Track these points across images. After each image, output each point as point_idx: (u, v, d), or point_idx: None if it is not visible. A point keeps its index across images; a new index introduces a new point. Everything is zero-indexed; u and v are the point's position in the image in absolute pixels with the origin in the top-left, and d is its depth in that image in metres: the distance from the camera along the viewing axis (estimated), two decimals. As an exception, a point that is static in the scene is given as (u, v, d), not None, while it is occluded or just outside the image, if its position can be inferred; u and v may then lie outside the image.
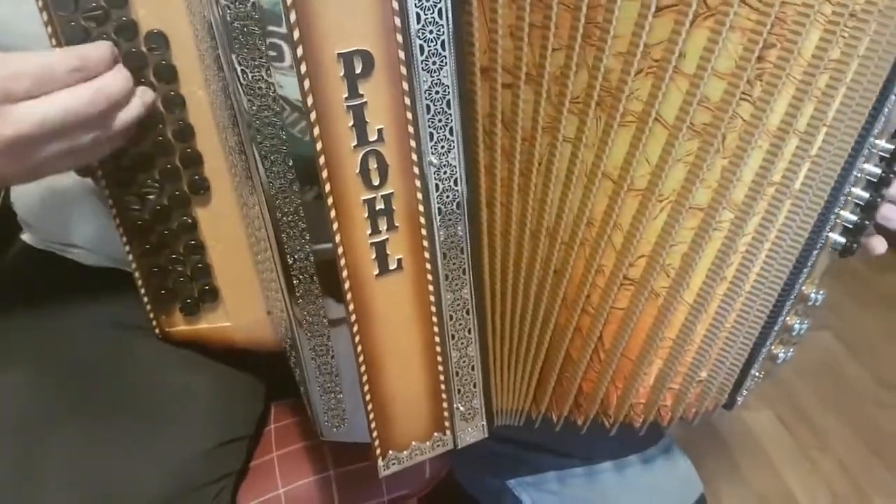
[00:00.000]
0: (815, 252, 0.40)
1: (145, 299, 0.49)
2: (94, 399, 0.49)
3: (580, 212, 0.39)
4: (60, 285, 0.54)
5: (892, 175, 0.38)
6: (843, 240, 0.41)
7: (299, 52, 0.31)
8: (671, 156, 0.37)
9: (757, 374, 0.47)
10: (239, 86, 0.33)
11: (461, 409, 0.44)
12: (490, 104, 0.38)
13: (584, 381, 0.45)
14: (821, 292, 0.44)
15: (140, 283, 0.48)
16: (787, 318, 0.44)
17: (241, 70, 0.32)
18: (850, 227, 0.40)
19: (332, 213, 0.36)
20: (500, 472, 0.58)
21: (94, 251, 0.54)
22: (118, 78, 0.38)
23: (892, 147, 0.38)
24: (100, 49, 0.38)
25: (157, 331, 0.50)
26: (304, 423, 0.59)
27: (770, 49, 0.34)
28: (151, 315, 0.50)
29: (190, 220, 0.46)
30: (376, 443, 0.42)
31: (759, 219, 0.39)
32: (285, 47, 0.32)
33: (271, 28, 0.31)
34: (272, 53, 0.32)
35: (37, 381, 0.49)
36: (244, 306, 0.50)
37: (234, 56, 0.32)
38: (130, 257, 0.47)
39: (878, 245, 0.45)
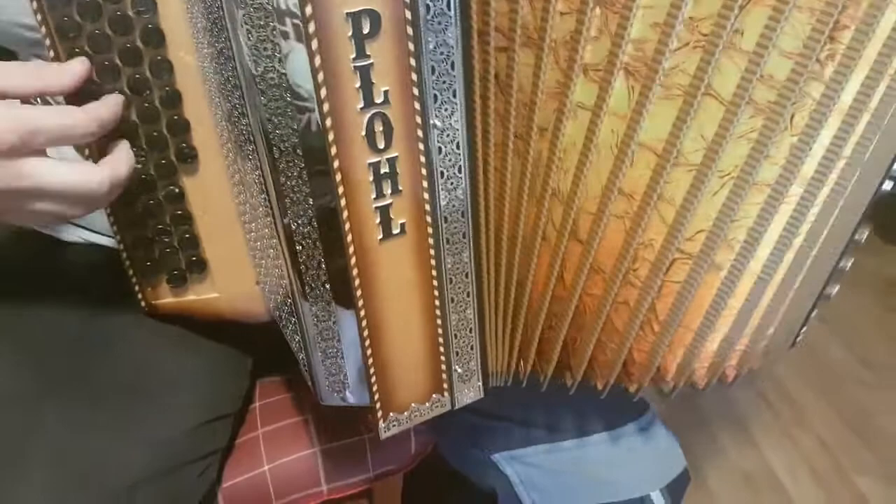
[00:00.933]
0: (870, 201, 0.40)
1: (130, 272, 0.48)
2: (78, 378, 0.47)
3: (609, 182, 0.39)
4: (38, 260, 0.52)
5: None
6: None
7: (308, 10, 0.31)
8: (729, 132, 0.35)
9: (814, 315, 0.47)
10: (242, 48, 0.33)
11: (459, 370, 0.45)
12: (483, 67, 0.38)
13: (636, 351, 0.45)
14: (865, 231, 0.43)
15: (125, 254, 0.47)
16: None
17: (247, 30, 0.32)
18: None
19: (338, 178, 0.36)
20: (485, 446, 0.59)
21: (74, 226, 0.52)
22: (126, 162, 0.39)
23: None
24: (112, 111, 0.38)
25: (142, 303, 0.49)
26: (289, 400, 0.59)
27: (842, 31, 0.33)
28: (137, 287, 0.49)
29: (177, 190, 0.45)
30: (378, 406, 0.43)
31: (828, 189, 0.38)
32: (287, 5, 0.31)
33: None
34: (277, 15, 0.31)
35: (20, 361, 0.47)
36: (233, 277, 0.49)
37: (239, 17, 0.32)
38: (115, 228, 0.46)
39: None
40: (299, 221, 0.37)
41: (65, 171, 0.36)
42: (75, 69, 0.38)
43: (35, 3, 0.39)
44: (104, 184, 0.38)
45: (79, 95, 0.39)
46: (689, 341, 0.44)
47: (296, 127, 0.35)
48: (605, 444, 0.56)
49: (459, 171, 0.39)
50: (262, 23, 0.32)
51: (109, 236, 0.49)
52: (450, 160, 0.38)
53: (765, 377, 1.32)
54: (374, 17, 0.32)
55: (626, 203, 0.40)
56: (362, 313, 0.40)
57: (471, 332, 0.44)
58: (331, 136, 0.34)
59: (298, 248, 0.38)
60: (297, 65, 0.33)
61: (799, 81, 0.34)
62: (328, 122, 0.34)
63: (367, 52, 0.33)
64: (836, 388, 1.30)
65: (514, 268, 0.44)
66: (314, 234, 0.38)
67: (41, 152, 0.36)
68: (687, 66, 0.36)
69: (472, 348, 0.44)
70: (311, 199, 0.37)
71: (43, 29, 0.39)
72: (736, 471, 1.15)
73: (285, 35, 0.32)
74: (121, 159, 0.39)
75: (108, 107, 0.39)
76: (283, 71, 0.33)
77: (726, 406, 1.27)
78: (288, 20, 0.32)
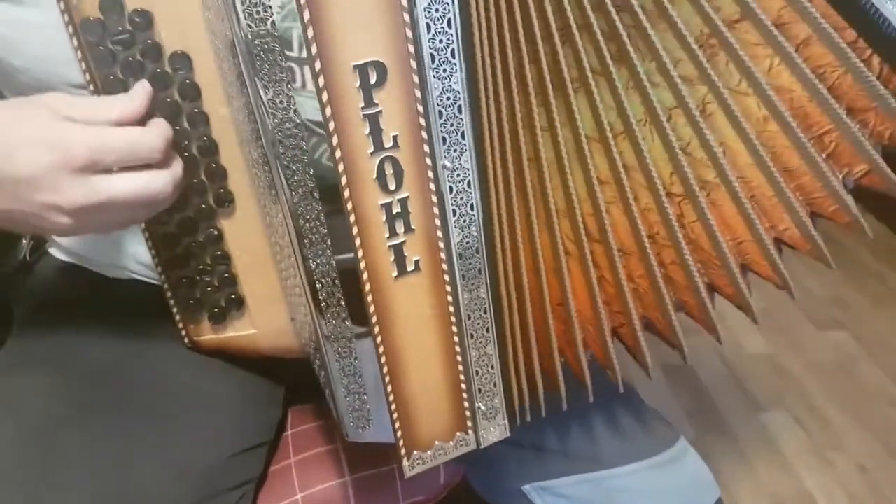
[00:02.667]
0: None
1: (174, 309, 0.51)
2: (116, 404, 0.50)
3: (587, 176, 0.41)
4: (83, 294, 0.56)
5: None
6: None
7: (317, 65, 0.33)
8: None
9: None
10: (261, 102, 0.35)
11: (482, 408, 0.45)
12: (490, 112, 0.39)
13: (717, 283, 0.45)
14: None
15: (169, 293, 0.50)
16: None
17: (263, 86, 0.34)
18: None
19: (352, 218, 0.37)
20: (515, 477, 0.58)
21: (117, 264, 0.56)
22: (180, 163, 0.42)
23: None
24: (170, 130, 0.41)
25: (186, 340, 0.52)
26: (321, 428, 0.60)
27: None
28: (181, 325, 0.52)
29: (216, 232, 0.48)
30: (401, 443, 0.44)
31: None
32: (299, 62, 0.34)
33: (289, 44, 0.33)
34: (288, 73, 0.34)
35: (58, 386, 0.50)
36: (269, 314, 0.52)
37: (255, 73, 0.34)
38: (159, 269, 0.49)
39: None
40: (318, 261, 0.39)
41: (134, 179, 0.39)
42: (143, 93, 0.41)
43: (83, 64, 0.43)
44: (168, 185, 0.41)
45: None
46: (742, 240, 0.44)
47: (311, 173, 0.37)
48: (637, 475, 0.54)
49: (472, 209, 0.39)
50: (276, 78, 0.34)
51: (148, 276, 0.52)
52: (461, 198, 0.39)
53: (797, 398, 1.25)
54: (380, 68, 0.34)
55: (610, 189, 0.41)
56: (381, 349, 0.41)
57: (492, 368, 0.44)
58: (344, 180, 0.36)
59: (319, 286, 0.40)
60: (311, 115, 0.35)
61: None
62: (340, 168, 0.36)
63: (375, 101, 0.35)
64: (870, 408, 1.22)
65: (537, 299, 0.44)
66: (333, 272, 0.39)
67: (111, 169, 0.39)
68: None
69: (494, 385, 0.45)
70: (329, 240, 0.38)
71: (90, 87, 0.43)
72: (771, 496, 1.09)
73: (298, 86, 0.34)
74: (177, 161, 0.42)
75: (165, 125, 0.42)
76: (298, 121, 0.35)
77: (759, 429, 1.20)
78: (299, 72, 0.34)
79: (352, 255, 0.38)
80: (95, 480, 0.46)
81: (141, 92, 0.41)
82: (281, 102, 0.35)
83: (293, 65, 0.34)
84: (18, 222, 0.39)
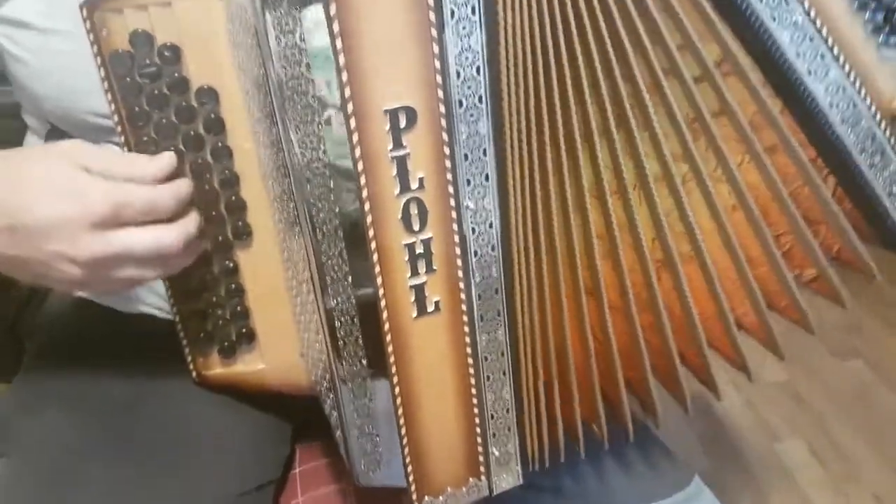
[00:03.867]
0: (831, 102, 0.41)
1: (184, 342, 0.50)
2: (128, 440, 0.50)
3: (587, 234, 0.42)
4: (95, 330, 0.56)
5: None
6: (893, 39, 0.43)
7: (349, 108, 0.33)
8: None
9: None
10: (290, 141, 0.35)
11: (496, 453, 0.44)
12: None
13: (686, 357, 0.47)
14: None
15: (179, 326, 0.50)
16: (890, 135, 0.43)
17: (294, 126, 0.35)
18: (888, 18, 0.42)
19: (375, 257, 0.37)
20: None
21: (130, 296, 0.56)
22: (194, 221, 0.43)
23: None
24: (187, 190, 0.42)
25: (194, 374, 0.52)
26: (329, 466, 0.59)
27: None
28: (189, 358, 0.51)
29: (231, 265, 0.48)
30: (412, 487, 0.43)
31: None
32: (332, 107, 0.34)
33: (323, 87, 0.34)
34: (323, 112, 0.34)
35: (70, 423, 0.50)
36: (279, 349, 0.51)
37: (286, 113, 0.34)
38: (172, 300, 0.49)
39: None
40: (339, 299, 0.39)
41: (146, 234, 0.39)
42: (165, 163, 0.42)
43: (109, 95, 0.43)
44: (180, 241, 0.41)
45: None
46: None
47: (337, 211, 0.37)
48: None
49: (493, 250, 0.40)
50: (308, 118, 0.35)
51: (162, 309, 0.52)
52: (483, 240, 0.39)
53: (813, 427, 1.24)
54: (411, 112, 0.35)
55: (603, 244, 0.43)
56: (397, 390, 0.40)
57: (507, 412, 0.44)
58: (369, 220, 0.36)
59: (337, 324, 0.39)
60: (340, 156, 0.35)
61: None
62: (367, 207, 0.36)
63: (404, 144, 0.35)
64: (886, 437, 1.21)
65: (566, 338, 0.44)
66: (352, 310, 0.39)
67: (128, 224, 0.39)
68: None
69: (509, 430, 0.44)
70: (349, 278, 0.38)
71: (115, 117, 0.44)
72: None
73: (329, 127, 0.35)
74: (189, 219, 0.43)
75: (185, 185, 0.42)
76: (327, 161, 0.35)
77: (774, 459, 1.19)
78: (331, 114, 0.34)
79: (371, 290, 0.38)
80: None
81: (165, 162, 0.42)
82: (311, 142, 0.35)
83: (330, 111, 0.34)
84: (24, 270, 0.40)
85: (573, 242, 0.42)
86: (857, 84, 0.42)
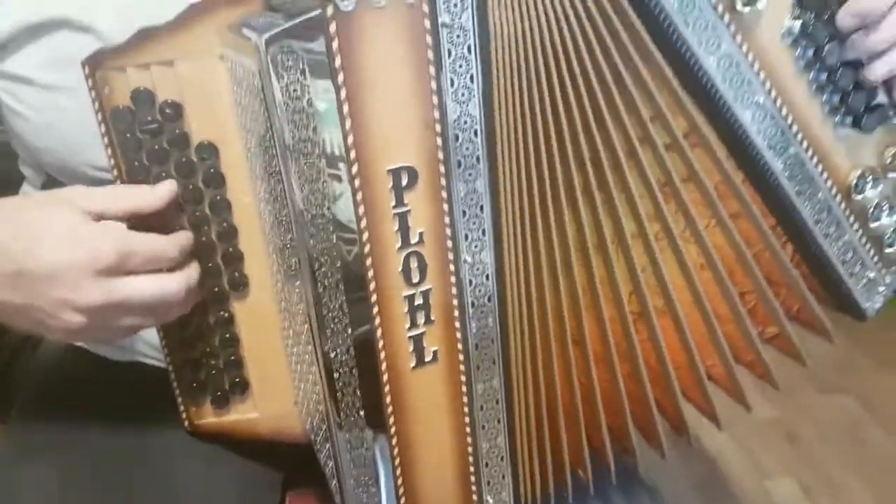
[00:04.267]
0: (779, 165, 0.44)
1: (177, 391, 0.50)
2: (118, 492, 0.49)
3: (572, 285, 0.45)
4: (87, 378, 0.56)
5: (823, 43, 0.42)
6: (848, 119, 0.45)
7: (354, 169, 0.35)
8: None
9: (872, 274, 0.49)
10: (296, 197, 0.37)
11: (490, 501, 0.45)
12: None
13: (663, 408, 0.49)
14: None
15: (172, 375, 0.50)
16: (845, 207, 0.47)
17: (300, 185, 0.36)
18: (843, 99, 0.44)
19: (375, 309, 0.38)
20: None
21: (123, 345, 0.56)
22: (196, 269, 0.44)
23: (801, 22, 0.42)
24: (189, 241, 0.43)
25: (186, 423, 0.51)
26: (319, 514, 0.59)
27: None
28: (182, 407, 0.51)
29: (227, 315, 0.49)
30: (408, 535, 0.43)
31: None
32: (337, 165, 0.36)
33: (328, 149, 0.35)
34: (328, 172, 0.36)
35: (62, 474, 0.49)
36: (273, 398, 0.51)
37: (292, 172, 0.36)
38: (166, 350, 0.49)
39: None
40: (338, 350, 0.40)
41: (149, 282, 0.40)
42: (166, 190, 0.43)
43: (110, 150, 0.44)
44: (182, 289, 0.41)
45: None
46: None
47: (339, 264, 0.38)
48: None
49: (489, 301, 0.41)
50: (314, 177, 0.36)
51: (154, 357, 0.52)
52: (480, 291, 0.41)
53: (804, 464, 1.25)
54: (412, 172, 0.36)
55: (587, 297, 0.45)
56: (395, 440, 0.41)
57: (502, 460, 0.44)
58: (370, 273, 0.38)
59: (336, 375, 0.40)
60: (344, 212, 0.36)
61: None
62: (368, 261, 0.37)
63: (406, 201, 0.37)
64: (879, 473, 1.22)
65: (555, 386, 0.46)
66: (351, 361, 0.40)
67: (131, 272, 0.39)
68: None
69: (503, 477, 0.45)
70: (349, 329, 0.39)
71: (115, 171, 0.44)
72: None
73: (334, 186, 0.36)
74: (192, 267, 0.43)
75: (187, 237, 0.43)
76: (331, 217, 0.37)
77: (766, 499, 1.20)
78: (336, 173, 0.36)
79: (370, 340, 0.39)
80: None
81: (164, 190, 0.43)
82: (315, 199, 0.36)
83: (329, 159, 0.36)
84: (25, 317, 0.39)
85: (560, 294, 0.44)
86: (815, 160, 0.45)
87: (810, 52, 0.43)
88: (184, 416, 0.51)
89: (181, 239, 0.43)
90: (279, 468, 0.57)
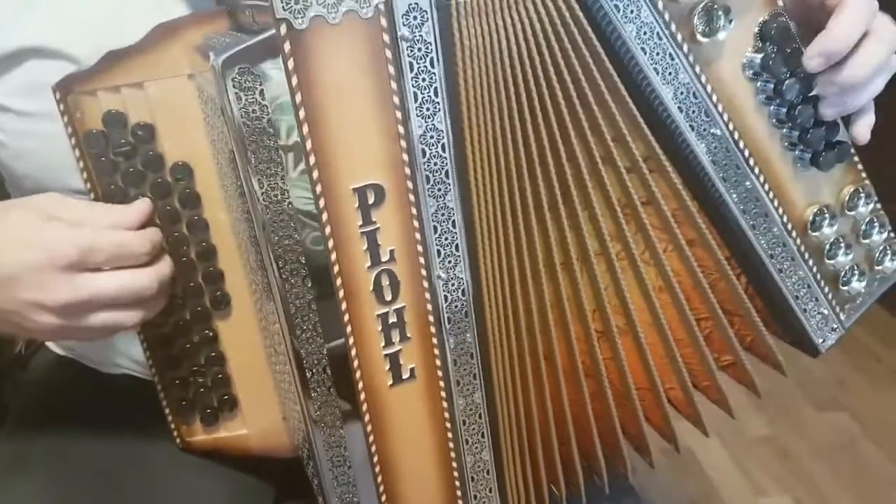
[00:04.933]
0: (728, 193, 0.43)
1: (167, 410, 0.50)
2: (109, 502, 0.49)
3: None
4: (77, 390, 0.56)
5: (783, 77, 0.41)
6: (807, 155, 0.45)
7: (318, 189, 0.34)
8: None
9: (825, 311, 0.49)
10: (256, 195, 0.35)
11: (478, 513, 0.44)
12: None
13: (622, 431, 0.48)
14: (846, 206, 0.47)
15: (162, 394, 0.50)
16: (801, 244, 0.46)
17: (258, 180, 0.35)
18: (802, 136, 0.44)
19: (349, 329, 0.38)
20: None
21: (111, 361, 0.56)
22: (168, 264, 0.43)
23: (762, 56, 0.41)
24: (160, 236, 0.43)
25: (177, 441, 0.51)
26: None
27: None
28: (172, 426, 0.51)
29: (211, 333, 0.49)
30: (395, 552, 0.43)
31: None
32: (301, 185, 0.35)
33: (290, 171, 0.35)
34: (293, 192, 0.35)
35: (51, 486, 0.50)
36: (261, 414, 0.51)
37: (250, 167, 0.35)
38: (153, 370, 0.49)
39: (862, 131, 0.45)
40: (314, 370, 0.39)
41: (116, 276, 0.39)
42: (141, 208, 0.42)
43: (85, 174, 0.44)
44: (153, 282, 0.41)
45: None
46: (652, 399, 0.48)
47: (310, 285, 0.37)
48: None
49: (466, 316, 0.40)
50: (278, 198, 0.35)
51: (145, 372, 0.52)
52: (456, 306, 0.40)
53: (799, 481, 1.23)
54: (378, 189, 0.36)
55: (555, 312, 0.44)
56: (375, 458, 0.41)
57: (488, 473, 0.44)
58: (341, 294, 0.37)
59: (314, 394, 0.40)
60: (311, 234, 0.36)
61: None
62: (338, 282, 0.37)
63: (374, 219, 0.36)
64: (872, 490, 1.21)
65: (531, 401, 0.45)
66: (328, 381, 0.39)
67: (97, 269, 0.39)
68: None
69: (490, 491, 0.44)
70: (324, 350, 0.39)
71: (91, 195, 0.44)
72: None
73: (300, 210, 0.35)
74: (163, 262, 0.43)
75: (155, 231, 0.43)
76: (298, 238, 0.36)
77: None
78: (301, 193, 0.35)
79: (343, 349, 0.38)
80: None
81: (140, 207, 0.42)
82: (275, 195, 0.35)
83: (284, 154, 0.35)
84: (2, 321, 0.39)
85: (532, 309, 0.43)
86: (771, 195, 0.45)
87: (770, 87, 0.43)
88: (175, 434, 0.51)
89: (149, 234, 0.42)
90: (270, 480, 0.57)
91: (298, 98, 0.33)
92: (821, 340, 0.50)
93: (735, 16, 0.40)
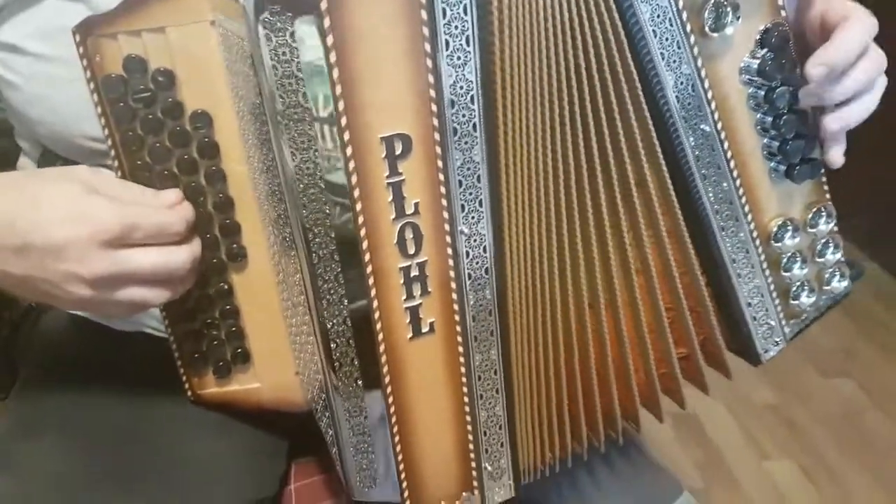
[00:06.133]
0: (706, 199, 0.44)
1: (179, 363, 0.51)
2: (122, 464, 0.50)
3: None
4: (90, 350, 0.56)
5: (774, 85, 0.43)
6: (782, 167, 0.46)
7: (346, 136, 0.34)
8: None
9: (773, 322, 0.50)
10: (287, 166, 0.36)
11: (489, 468, 0.45)
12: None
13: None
14: (811, 220, 0.48)
15: (174, 346, 0.50)
16: (762, 252, 0.47)
17: (290, 152, 0.35)
18: (782, 146, 0.44)
19: (371, 281, 0.38)
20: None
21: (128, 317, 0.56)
22: (199, 243, 0.44)
23: (759, 61, 0.42)
24: (193, 213, 0.43)
25: (189, 393, 0.52)
26: (324, 482, 0.59)
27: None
28: (184, 378, 0.51)
29: (226, 287, 0.48)
30: (407, 502, 0.43)
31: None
32: (329, 132, 0.35)
33: (319, 115, 0.34)
34: (319, 140, 0.35)
35: (67, 446, 0.50)
36: (274, 368, 0.51)
37: (283, 140, 0.35)
38: (166, 322, 0.49)
39: (835, 157, 0.47)
40: (335, 321, 0.39)
41: (155, 254, 0.40)
42: (170, 197, 0.43)
43: (103, 119, 0.43)
44: (187, 262, 0.42)
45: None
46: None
47: (333, 236, 0.37)
48: None
49: (487, 273, 0.40)
50: (305, 145, 0.35)
51: (156, 329, 0.52)
52: (477, 263, 0.40)
53: (804, 448, 1.26)
54: (406, 140, 0.35)
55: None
56: (392, 409, 0.41)
57: (500, 428, 0.44)
58: (365, 244, 0.37)
59: (333, 345, 0.40)
60: (336, 182, 0.36)
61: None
62: (363, 232, 0.37)
63: (400, 171, 0.36)
64: (877, 457, 1.24)
65: (549, 361, 0.45)
66: (348, 332, 0.40)
67: (136, 245, 0.40)
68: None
69: (501, 445, 0.45)
70: (346, 301, 0.39)
71: (109, 142, 0.44)
72: None
73: (326, 154, 0.35)
74: (195, 241, 0.43)
75: (190, 210, 0.43)
76: (323, 187, 0.36)
77: (766, 480, 1.21)
78: (328, 141, 0.35)
79: (367, 311, 0.39)
80: None
81: (172, 195, 0.43)
82: (308, 168, 0.36)
83: (320, 125, 0.35)
84: (32, 289, 0.40)
85: (554, 270, 0.43)
86: (744, 200, 0.45)
87: (762, 93, 0.43)
88: (186, 386, 0.52)
89: (185, 212, 0.42)
90: (284, 437, 0.58)
91: (330, 41, 0.33)
92: (763, 351, 0.51)
93: (742, 15, 0.41)
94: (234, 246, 0.47)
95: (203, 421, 0.52)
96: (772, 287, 0.49)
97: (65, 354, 0.56)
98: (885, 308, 1.57)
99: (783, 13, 0.43)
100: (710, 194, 0.44)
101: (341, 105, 0.34)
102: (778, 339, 0.51)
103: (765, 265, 0.48)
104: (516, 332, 0.44)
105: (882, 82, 0.45)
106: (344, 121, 0.34)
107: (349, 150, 0.35)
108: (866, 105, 0.45)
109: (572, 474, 0.55)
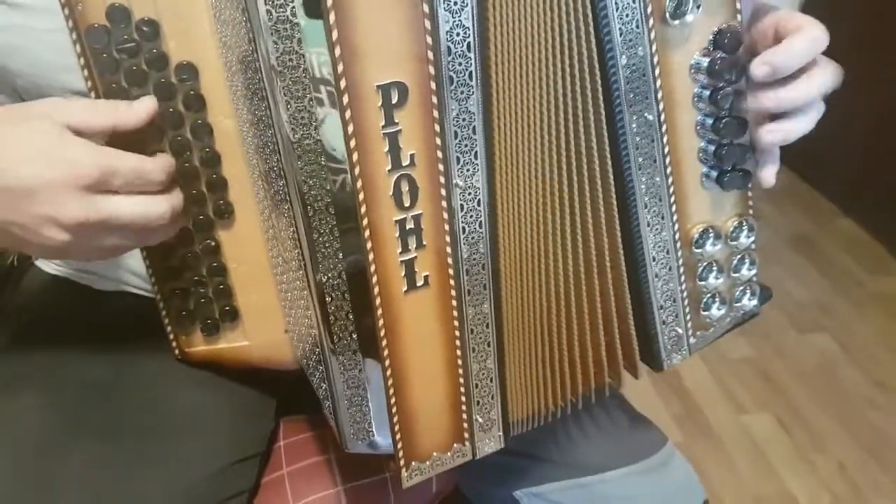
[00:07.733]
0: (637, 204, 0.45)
1: (166, 321, 0.50)
2: (106, 420, 0.49)
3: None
4: (72, 308, 0.55)
5: (721, 87, 0.43)
6: (714, 172, 0.46)
7: (342, 84, 0.34)
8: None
9: (680, 330, 0.50)
10: (281, 118, 0.35)
11: (479, 420, 0.46)
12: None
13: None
14: (737, 227, 0.48)
15: (161, 304, 0.49)
16: (680, 256, 0.47)
17: (285, 102, 0.35)
18: (717, 151, 0.45)
19: (367, 234, 0.38)
20: (507, 484, 0.60)
21: (108, 275, 0.55)
22: (180, 195, 0.43)
23: (709, 60, 0.43)
24: (174, 164, 0.42)
25: (176, 351, 0.51)
26: (313, 438, 0.60)
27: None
28: (171, 336, 0.51)
29: (213, 244, 0.48)
30: (400, 454, 0.44)
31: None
32: (324, 80, 0.34)
33: (314, 62, 0.34)
34: (311, 88, 0.34)
35: (48, 403, 0.49)
36: (263, 326, 0.51)
37: (276, 90, 0.34)
38: (152, 280, 0.48)
39: (767, 175, 0.47)
40: (330, 275, 0.39)
41: (134, 202, 0.39)
42: (145, 106, 0.41)
43: (86, 71, 0.42)
44: (167, 212, 0.41)
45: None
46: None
47: (329, 188, 0.37)
48: (625, 479, 0.56)
49: (480, 227, 0.41)
50: (300, 94, 0.35)
51: (140, 287, 0.51)
52: (471, 216, 0.40)
53: (780, 401, 1.31)
54: (402, 88, 0.35)
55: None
56: (387, 362, 0.41)
57: (491, 381, 0.45)
58: (361, 196, 0.37)
59: (328, 299, 0.40)
60: (332, 132, 0.35)
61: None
62: (359, 184, 0.37)
63: (396, 120, 0.36)
64: (851, 412, 1.29)
65: (538, 316, 0.46)
66: (343, 286, 0.40)
67: (115, 192, 0.39)
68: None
69: (492, 398, 0.46)
70: (341, 254, 0.39)
71: (92, 94, 0.43)
72: (755, 498, 1.14)
73: (321, 104, 0.35)
74: (176, 192, 0.43)
75: (171, 161, 0.42)
76: (319, 137, 0.36)
77: (743, 432, 1.25)
78: (323, 90, 0.35)
79: (361, 265, 0.39)
80: (86, 496, 0.45)
81: (145, 105, 0.41)
82: (302, 119, 0.35)
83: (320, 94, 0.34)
84: (6, 234, 0.39)
85: (546, 227, 0.43)
86: (673, 198, 0.45)
87: (707, 93, 0.43)
88: (173, 344, 0.51)
89: (165, 163, 0.42)
90: (273, 395, 0.58)
91: (326, -14, 0.32)
92: (666, 358, 0.50)
93: (703, 7, 0.41)
94: (221, 202, 0.47)
95: (189, 378, 0.52)
96: (685, 294, 0.48)
97: (46, 314, 0.55)
98: (859, 266, 1.61)
99: (739, 17, 0.43)
100: (643, 186, 0.44)
101: (337, 51, 0.33)
102: (682, 349, 0.51)
103: (682, 269, 0.47)
104: (507, 286, 0.44)
105: (819, 108, 0.45)
106: (340, 68, 0.34)
107: (345, 99, 0.34)
108: (802, 125, 0.45)
109: (560, 427, 0.56)
